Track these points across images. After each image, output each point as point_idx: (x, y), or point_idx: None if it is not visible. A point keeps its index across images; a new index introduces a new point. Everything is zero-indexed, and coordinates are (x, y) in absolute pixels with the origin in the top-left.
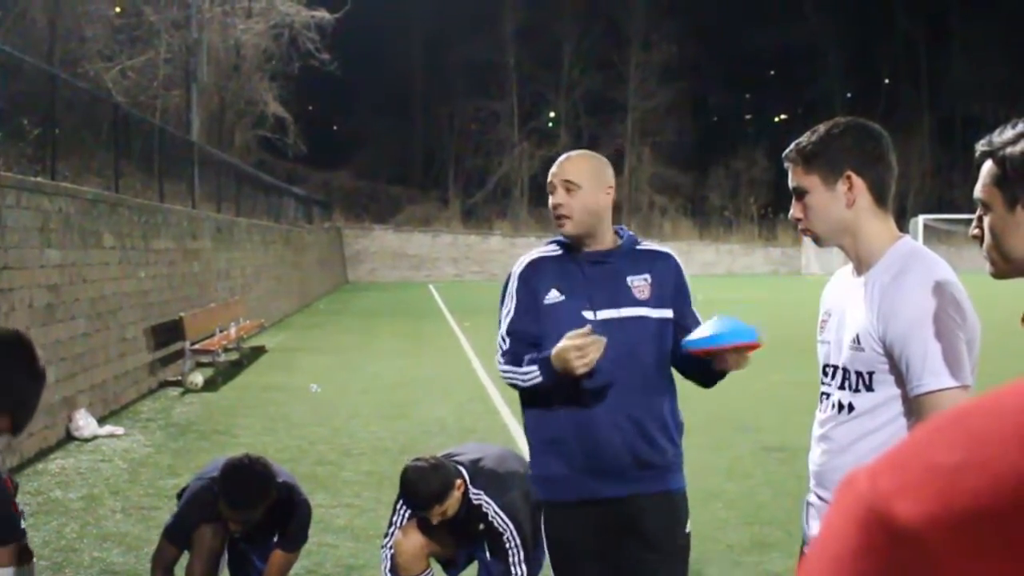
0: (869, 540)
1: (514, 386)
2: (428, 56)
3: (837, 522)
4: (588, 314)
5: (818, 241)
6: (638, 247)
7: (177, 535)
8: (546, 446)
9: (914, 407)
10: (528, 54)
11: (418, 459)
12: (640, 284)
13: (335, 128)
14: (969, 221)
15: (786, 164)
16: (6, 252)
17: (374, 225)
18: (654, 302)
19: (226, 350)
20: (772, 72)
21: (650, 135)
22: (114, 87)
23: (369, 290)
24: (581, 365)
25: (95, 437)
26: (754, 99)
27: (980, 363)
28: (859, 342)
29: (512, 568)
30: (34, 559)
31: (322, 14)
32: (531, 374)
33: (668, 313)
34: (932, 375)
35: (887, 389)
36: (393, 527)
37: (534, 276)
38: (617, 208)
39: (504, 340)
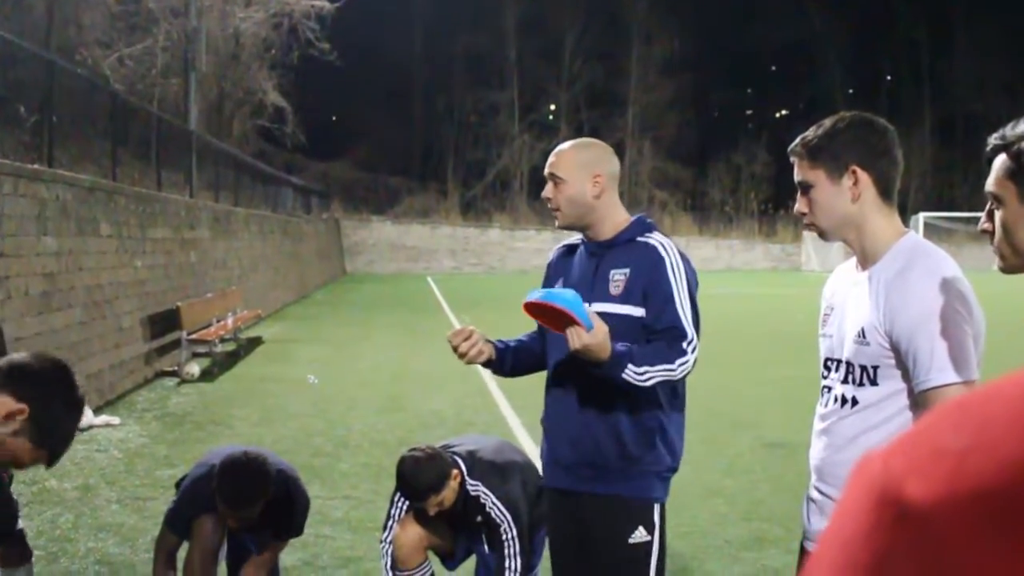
0: (881, 520)
1: None
2: (428, 47)
3: (852, 503)
4: None
5: (823, 235)
6: (637, 238)
7: (177, 523)
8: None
9: (920, 402)
10: (529, 46)
11: (414, 449)
12: (618, 278)
13: (334, 118)
14: (969, 219)
15: (791, 158)
16: (2, 240)
17: (372, 216)
18: (624, 298)
19: (223, 340)
20: (773, 67)
21: (651, 129)
22: (112, 75)
23: (367, 281)
24: (458, 356)
25: (90, 427)
26: (755, 94)
27: (984, 361)
28: (864, 336)
29: (507, 560)
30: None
31: (322, 3)
32: None
33: (638, 311)
34: (939, 370)
35: (891, 383)
36: (391, 520)
37: (554, 266)
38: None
39: None
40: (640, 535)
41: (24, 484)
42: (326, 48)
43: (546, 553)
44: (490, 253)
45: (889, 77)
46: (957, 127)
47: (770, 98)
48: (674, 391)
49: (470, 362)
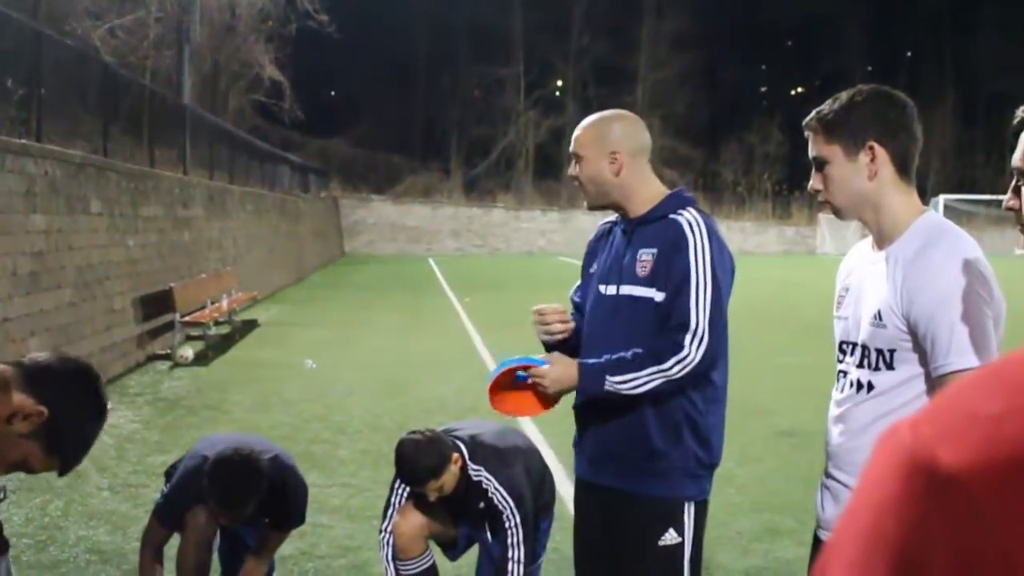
0: (911, 488)
1: None
2: (431, 19)
3: (878, 471)
4: (602, 288)
5: (838, 214)
6: (669, 215)
7: (167, 516)
8: None
9: (938, 386)
10: (536, 19)
11: (413, 432)
12: (646, 259)
13: (333, 94)
14: (991, 202)
15: (806, 133)
16: None
17: (372, 195)
18: (650, 280)
19: (217, 323)
20: (789, 43)
21: (661, 106)
22: (102, 46)
23: (367, 263)
24: (540, 333)
25: None
26: (770, 71)
27: (1002, 347)
28: (880, 318)
29: (509, 549)
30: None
31: None
32: None
33: (659, 295)
34: (959, 354)
35: (908, 368)
36: (391, 508)
37: (594, 245)
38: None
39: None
40: (671, 537)
41: None
42: (325, 20)
43: (569, 545)
44: (494, 234)
45: (909, 54)
46: (980, 106)
47: (785, 75)
48: (709, 381)
49: (551, 339)
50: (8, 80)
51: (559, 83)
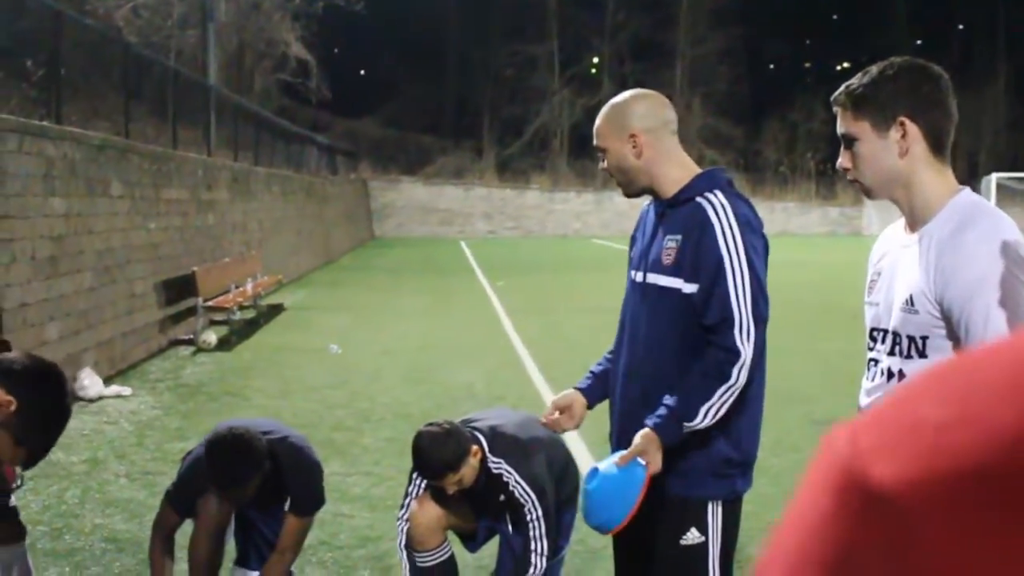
0: (842, 506)
1: None
2: None
3: (811, 487)
4: (632, 274)
5: (868, 193)
6: (696, 198)
7: (179, 502)
8: None
9: None
10: None
11: (431, 424)
12: (671, 246)
13: (362, 73)
14: None
15: (834, 108)
16: (7, 200)
17: (403, 177)
18: (675, 269)
19: (241, 308)
20: (835, 17)
21: (701, 84)
22: (125, 26)
23: (396, 246)
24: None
25: (100, 398)
26: (814, 46)
27: None
28: (912, 304)
29: (532, 543)
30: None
31: None
32: None
33: (687, 287)
34: (995, 340)
35: (941, 356)
36: (408, 498)
37: (634, 233)
38: None
39: None
40: (693, 537)
41: None
42: None
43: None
44: (528, 216)
45: (961, 27)
46: None
47: (830, 50)
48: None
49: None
50: (28, 61)
51: (595, 60)
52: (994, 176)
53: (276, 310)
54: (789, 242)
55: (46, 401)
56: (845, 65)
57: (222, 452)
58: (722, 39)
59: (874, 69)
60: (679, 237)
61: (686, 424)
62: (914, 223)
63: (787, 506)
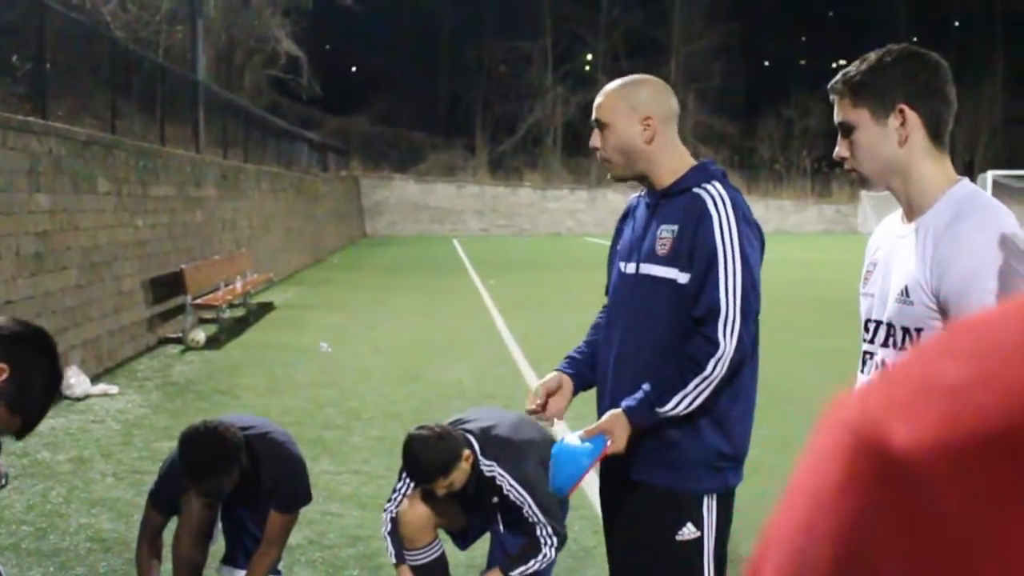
0: (854, 475)
1: None
2: None
3: (818, 452)
4: (623, 265)
5: (865, 183)
6: (693, 188)
7: (161, 501)
8: None
9: None
10: None
11: (422, 427)
12: (666, 236)
13: (353, 69)
14: None
15: (831, 96)
16: None
17: (394, 174)
18: (670, 259)
19: (231, 306)
20: (830, 13)
21: (695, 80)
22: (113, 21)
23: (388, 244)
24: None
25: (87, 396)
26: (810, 42)
27: None
28: (908, 295)
29: (541, 540)
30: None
31: None
32: None
33: (682, 277)
34: None
35: None
36: (397, 493)
37: (620, 225)
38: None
39: None
40: (689, 532)
41: (15, 456)
42: None
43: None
44: (520, 214)
45: (958, 23)
46: None
47: (826, 46)
48: (733, 371)
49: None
50: (13, 55)
51: (588, 57)
52: (990, 173)
53: (266, 308)
54: (785, 240)
55: (39, 365)
56: (841, 62)
57: (193, 444)
58: (717, 35)
59: (872, 56)
60: (675, 227)
61: (657, 409)
62: (911, 213)
63: (789, 481)
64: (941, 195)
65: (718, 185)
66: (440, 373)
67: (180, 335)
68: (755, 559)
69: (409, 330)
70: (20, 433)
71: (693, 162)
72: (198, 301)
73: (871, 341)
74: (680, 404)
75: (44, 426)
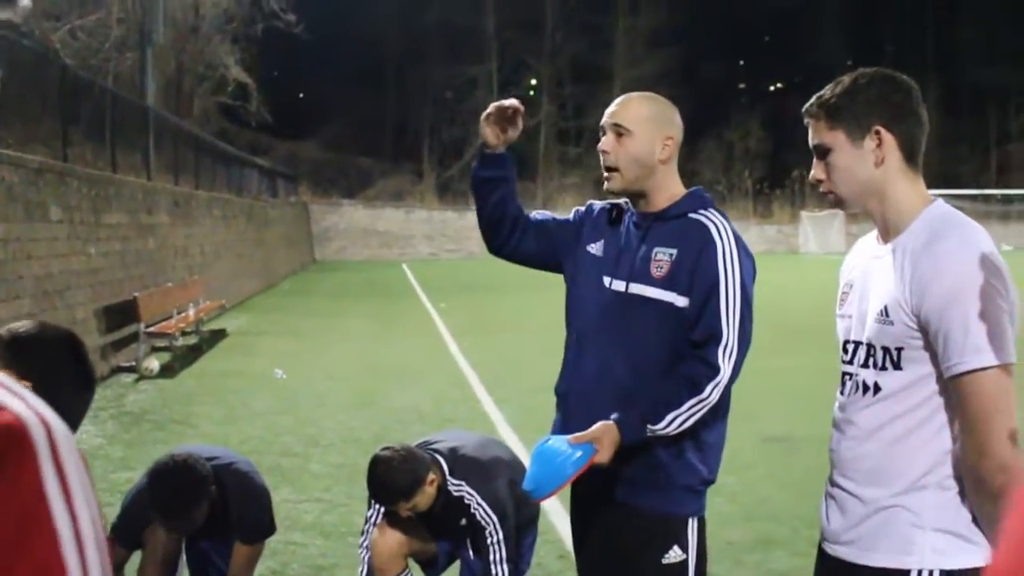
0: None
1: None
2: (402, 18)
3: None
4: (607, 280)
5: (841, 204)
6: (690, 214)
7: (125, 535)
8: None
9: (952, 387)
10: (508, 16)
11: (387, 448)
12: (662, 259)
13: (301, 96)
14: (977, 197)
15: (806, 120)
16: None
17: (343, 200)
18: (668, 283)
19: (184, 333)
20: (767, 38)
21: None
22: (62, 48)
23: (338, 269)
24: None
25: None
26: (748, 66)
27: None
28: (887, 315)
29: (493, 567)
30: None
31: None
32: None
33: (680, 300)
34: (974, 352)
35: (917, 368)
36: (368, 523)
37: (594, 221)
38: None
39: None
40: (675, 555)
41: None
42: (292, 20)
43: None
44: (469, 238)
45: (890, 47)
46: (963, 100)
47: (764, 70)
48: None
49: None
50: None
51: (533, 81)
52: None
53: (219, 335)
54: None
55: (67, 378)
56: (779, 85)
57: (165, 480)
58: (658, 60)
59: (846, 79)
60: (673, 251)
61: (650, 427)
62: (887, 234)
63: (1003, 544)
64: (917, 215)
65: (717, 214)
66: (396, 398)
67: (133, 364)
68: None
69: (362, 355)
70: None
71: (685, 189)
72: (151, 329)
73: (850, 362)
74: (672, 424)
75: None
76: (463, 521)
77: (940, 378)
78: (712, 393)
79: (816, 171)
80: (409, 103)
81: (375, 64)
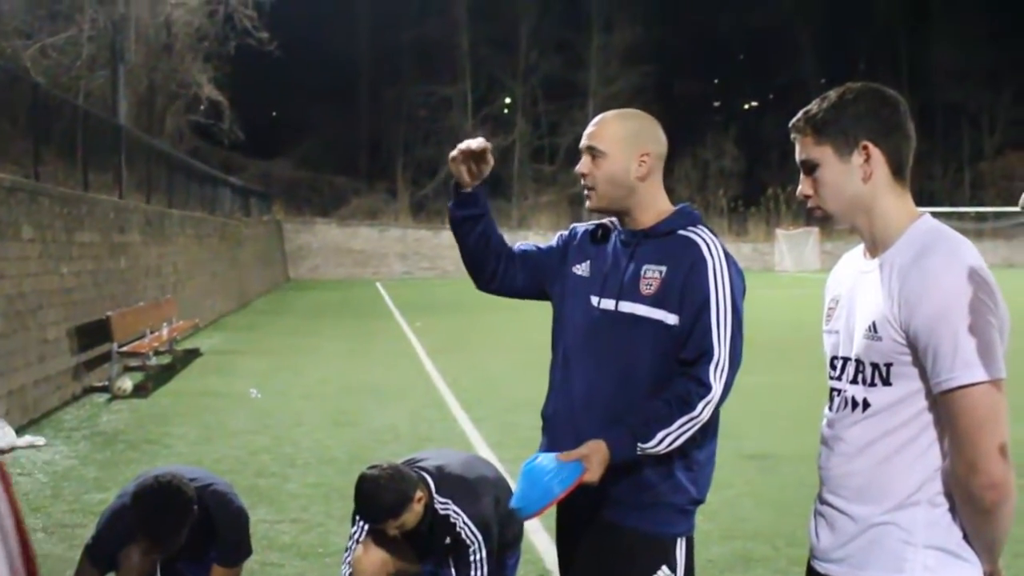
0: None
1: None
2: (375, 37)
3: None
4: (595, 300)
5: (828, 220)
6: (679, 232)
7: (99, 556)
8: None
9: (942, 403)
10: (482, 35)
11: (374, 467)
12: (652, 276)
13: (274, 114)
14: (951, 215)
15: (792, 135)
16: None
17: (317, 218)
18: (657, 300)
19: (157, 353)
20: (741, 56)
21: None
22: (33, 66)
23: (312, 288)
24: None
25: (13, 448)
26: (722, 85)
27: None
28: (875, 330)
29: None
30: None
31: None
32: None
33: (670, 318)
34: (964, 367)
35: (906, 383)
36: (352, 541)
37: (579, 244)
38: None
39: None
40: (663, 575)
41: None
42: (265, 38)
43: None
44: (444, 256)
45: (863, 65)
46: (936, 118)
47: (738, 89)
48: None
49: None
50: None
51: (507, 100)
52: None
53: (192, 355)
54: None
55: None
56: (753, 103)
57: (151, 501)
58: (633, 78)
59: (832, 94)
60: (662, 268)
61: (640, 445)
62: (875, 249)
63: None
64: (904, 230)
65: (706, 231)
66: (373, 417)
67: (106, 383)
68: None
69: (338, 374)
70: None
71: (672, 206)
72: (124, 349)
73: (839, 378)
74: (663, 442)
75: None
76: (448, 540)
77: (930, 394)
78: (704, 411)
79: (803, 187)
80: (383, 121)
81: (349, 82)
